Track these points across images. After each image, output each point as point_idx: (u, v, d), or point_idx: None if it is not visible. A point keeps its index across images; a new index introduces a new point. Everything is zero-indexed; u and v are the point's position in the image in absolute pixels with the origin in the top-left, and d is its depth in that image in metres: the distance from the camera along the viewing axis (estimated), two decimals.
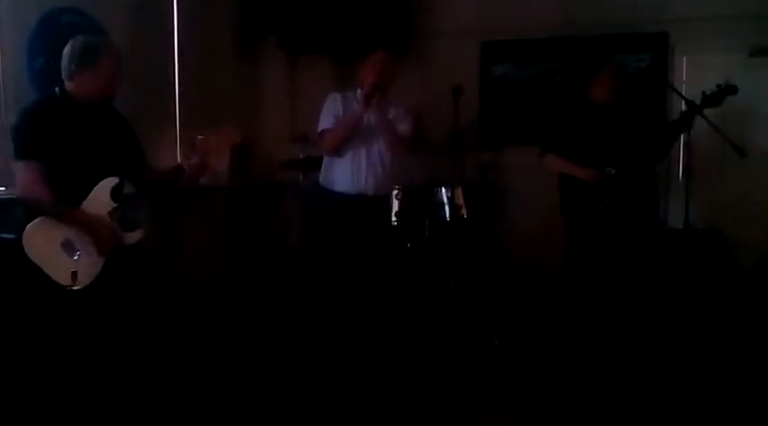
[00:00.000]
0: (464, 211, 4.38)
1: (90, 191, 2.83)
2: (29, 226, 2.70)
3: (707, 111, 4.01)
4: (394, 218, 4.25)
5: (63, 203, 2.73)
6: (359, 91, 4.06)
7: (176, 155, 4.60)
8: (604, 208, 3.86)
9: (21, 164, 2.74)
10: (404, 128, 4.06)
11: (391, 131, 3.99)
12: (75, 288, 2.73)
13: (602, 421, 3.21)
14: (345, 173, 4.03)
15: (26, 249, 2.69)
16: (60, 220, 2.73)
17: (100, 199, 2.85)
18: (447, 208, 4.30)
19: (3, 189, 3.34)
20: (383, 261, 4.14)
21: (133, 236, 2.95)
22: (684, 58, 5.15)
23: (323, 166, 4.17)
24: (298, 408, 3.34)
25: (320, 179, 4.19)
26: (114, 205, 2.87)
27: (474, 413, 3.29)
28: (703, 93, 3.90)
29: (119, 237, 2.86)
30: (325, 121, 4.05)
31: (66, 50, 2.84)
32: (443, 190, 4.34)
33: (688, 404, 3.30)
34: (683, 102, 4.11)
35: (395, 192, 4.27)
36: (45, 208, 2.72)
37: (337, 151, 4.01)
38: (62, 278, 2.71)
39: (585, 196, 3.97)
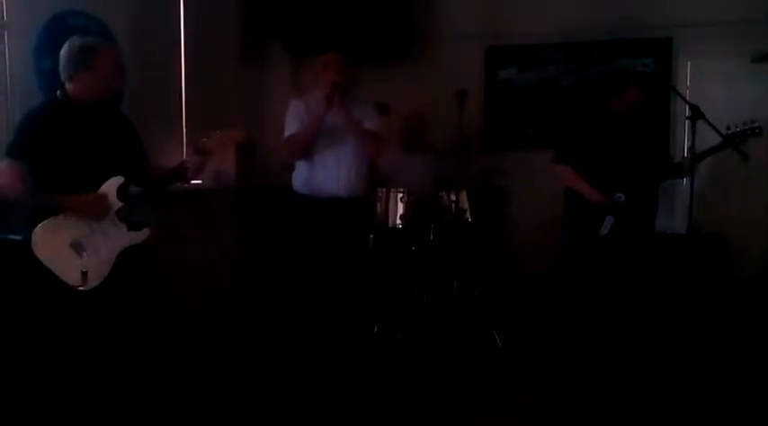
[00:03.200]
0: (468, 215, 4.40)
1: (93, 192, 2.84)
2: (38, 227, 2.71)
3: (711, 116, 4.00)
4: (399, 221, 4.27)
5: (39, 191, 2.72)
6: (319, 93, 3.97)
7: (182, 158, 4.61)
8: (607, 235, 3.81)
9: (3, 163, 2.76)
10: (370, 124, 3.96)
11: (358, 129, 3.90)
12: (86, 288, 2.75)
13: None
14: (317, 177, 3.94)
15: (35, 250, 2.70)
16: (46, 206, 2.73)
17: None
18: (451, 211, 4.32)
19: None
20: (363, 261, 4.11)
21: (139, 236, 2.96)
22: (688, 63, 5.16)
23: (295, 171, 4.06)
24: (301, 408, 3.35)
25: (293, 184, 4.07)
26: (120, 204, 2.88)
27: (475, 415, 3.30)
28: (727, 127, 3.79)
29: (108, 202, 2.85)
30: (290, 127, 3.96)
31: (64, 52, 2.84)
32: (448, 193, 4.36)
33: (689, 409, 3.31)
34: (687, 107, 4.11)
35: (399, 196, 4.30)
36: (24, 202, 2.73)
37: (305, 155, 3.93)
38: (72, 278, 2.72)
39: (589, 216, 3.94)
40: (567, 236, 4.14)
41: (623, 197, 3.85)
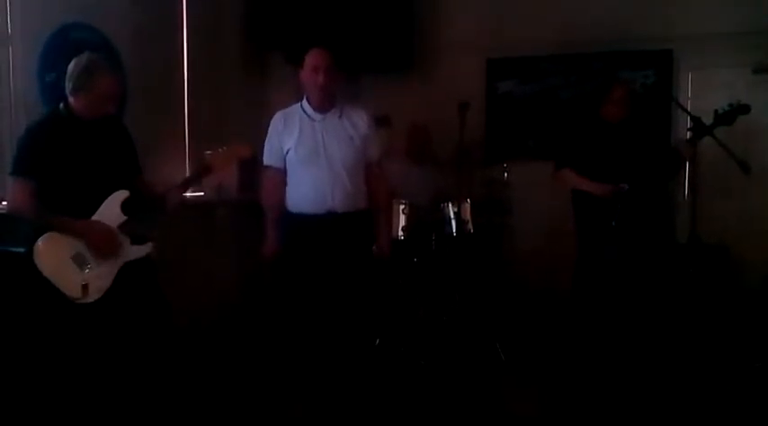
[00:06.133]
0: (470, 226, 4.40)
1: (95, 205, 2.85)
2: (39, 240, 2.71)
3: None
4: (401, 233, 4.27)
5: (48, 213, 2.74)
6: (304, 102, 3.58)
7: (185, 171, 4.62)
8: (618, 224, 3.86)
9: (12, 180, 2.78)
10: (372, 152, 3.59)
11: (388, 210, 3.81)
12: (86, 301, 2.74)
13: None
14: (310, 193, 3.48)
15: (37, 263, 2.70)
16: (57, 230, 2.74)
17: (110, 212, 2.87)
18: (453, 222, 4.33)
19: None
20: (364, 275, 3.71)
21: (143, 250, 2.96)
22: (689, 75, 5.18)
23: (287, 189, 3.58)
24: (303, 420, 3.34)
25: (287, 203, 3.59)
26: (124, 218, 2.89)
27: None
28: (715, 111, 3.88)
29: (115, 236, 2.86)
30: (266, 154, 3.59)
31: (70, 67, 2.87)
32: (450, 205, 4.37)
33: (691, 417, 3.31)
34: (689, 118, 4.12)
35: (401, 207, 4.30)
36: (34, 221, 2.75)
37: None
38: (73, 291, 2.72)
39: (599, 211, 3.98)
40: (581, 236, 4.17)
41: (627, 186, 3.93)
